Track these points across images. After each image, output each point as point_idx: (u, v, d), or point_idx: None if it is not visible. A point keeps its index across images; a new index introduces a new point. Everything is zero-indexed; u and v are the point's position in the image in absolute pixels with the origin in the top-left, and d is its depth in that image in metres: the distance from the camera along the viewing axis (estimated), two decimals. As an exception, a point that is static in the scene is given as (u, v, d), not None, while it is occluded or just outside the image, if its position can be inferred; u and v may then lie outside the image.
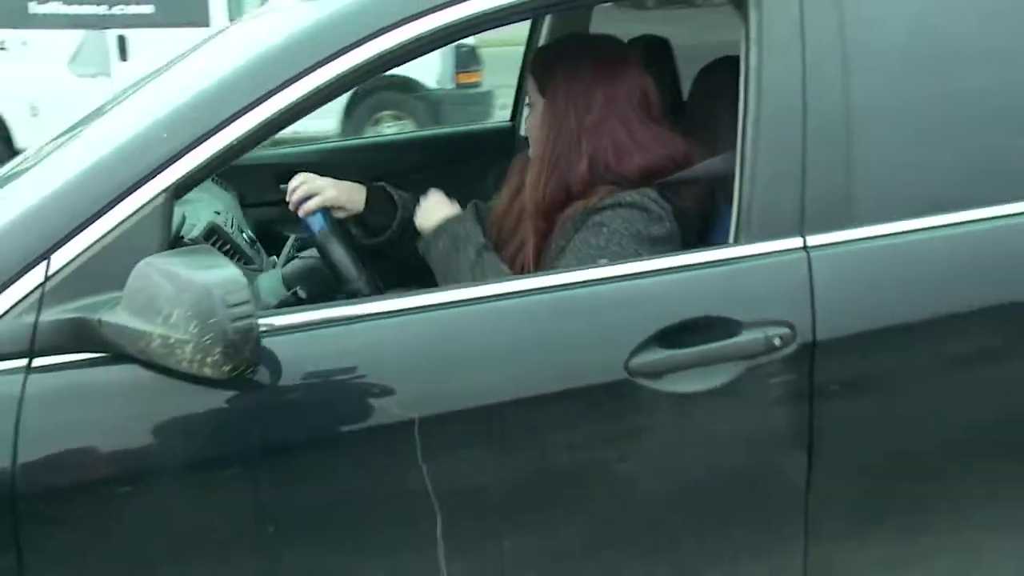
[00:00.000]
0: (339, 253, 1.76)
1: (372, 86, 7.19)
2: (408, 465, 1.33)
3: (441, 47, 1.60)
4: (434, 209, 1.84)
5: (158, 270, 1.21)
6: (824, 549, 1.56)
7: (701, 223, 1.74)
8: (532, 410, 1.39)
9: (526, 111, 1.86)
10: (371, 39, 1.34)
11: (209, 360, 1.16)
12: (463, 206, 1.85)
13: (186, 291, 1.16)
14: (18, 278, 1.27)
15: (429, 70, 7.43)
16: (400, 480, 1.35)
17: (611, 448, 1.45)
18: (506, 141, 2.78)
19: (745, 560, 1.56)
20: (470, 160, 2.60)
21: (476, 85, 7.60)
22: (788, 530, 1.54)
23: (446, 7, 1.35)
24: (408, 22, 1.35)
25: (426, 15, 1.35)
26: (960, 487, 1.61)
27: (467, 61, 7.67)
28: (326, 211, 1.84)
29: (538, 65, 1.82)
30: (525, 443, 1.41)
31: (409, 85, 7.40)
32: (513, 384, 1.39)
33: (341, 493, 1.36)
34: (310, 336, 1.34)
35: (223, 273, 1.19)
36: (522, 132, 1.99)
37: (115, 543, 1.31)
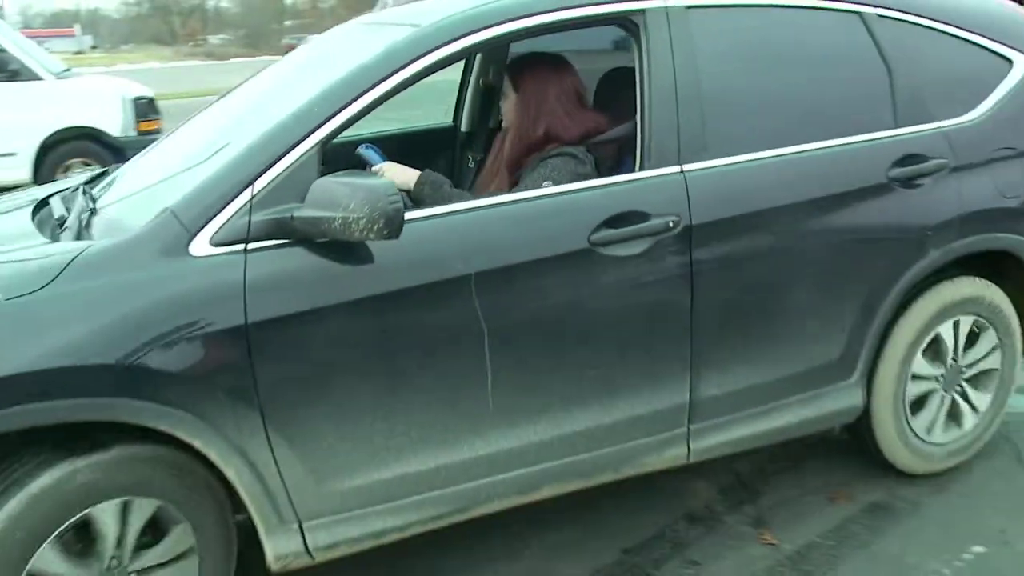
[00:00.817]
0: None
1: (64, 136, 8.21)
2: (468, 298, 2.45)
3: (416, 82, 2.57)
4: (401, 172, 3.00)
5: (334, 182, 2.21)
6: (703, 352, 2.82)
7: (614, 166, 2.96)
8: (533, 268, 2.54)
9: (502, 101, 3.14)
10: (400, 71, 2.49)
11: (375, 228, 2.16)
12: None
13: (360, 189, 2.17)
14: (236, 196, 2.26)
15: (113, 121, 8.31)
16: (467, 307, 2.47)
17: (578, 291, 2.61)
18: (449, 137, 4.08)
19: (660, 365, 2.79)
20: (420, 152, 3.64)
21: (156, 132, 8.34)
22: (681, 338, 2.77)
23: (425, 56, 2.53)
24: (410, 64, 2.50)
25: (413, 63, 2.50)
26: (787, 312, 2.95)
27: (146, 111, 8.60)
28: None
29: (512, 70, 3.10)
30: (529, 289, 2.55)
31: (96, 134, 8.21)
32: (522, 251, 2.55)
33: (439, 317, 2.46)
34: (418, 224, 2.42)
35: (382, 181, 2.23)
36: (503, 118, 3.21)
37: (305, 355, 2.32)
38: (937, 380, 3.39)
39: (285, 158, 2.33)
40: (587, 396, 2.74)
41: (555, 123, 2.99)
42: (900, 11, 3.18)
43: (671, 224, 2.68)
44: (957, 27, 3.28)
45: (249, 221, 2.28)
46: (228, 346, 2.26)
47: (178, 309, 2.22)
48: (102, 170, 3.40)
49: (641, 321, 2.73)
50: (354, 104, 2.43)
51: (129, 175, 3.00)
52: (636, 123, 2.75)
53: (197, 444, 2.29)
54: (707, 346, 2.85)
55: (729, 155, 2.83)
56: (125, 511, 2.28)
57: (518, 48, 3.40)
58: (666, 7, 2.81)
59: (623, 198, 2.68)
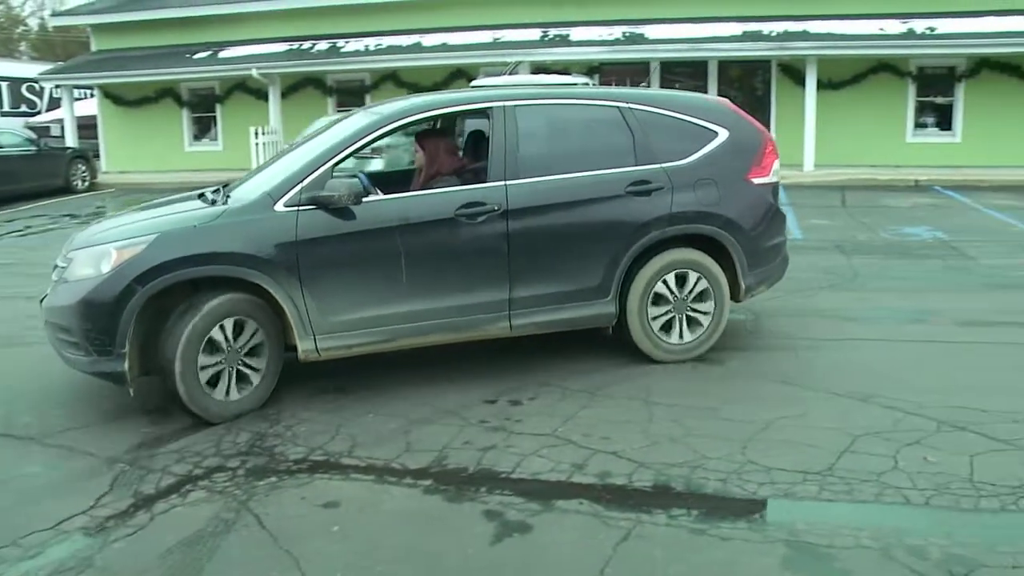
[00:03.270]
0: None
1: None
2: (395, 235, 5.26)
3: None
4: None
5: (336, 181, 5.17)
6: (516, 273, 5.50)
7: (472, 180, 5.69)
8: (428, 224, 5.39)
9: (415, 154, 6.11)
10: (362, 138, 5.43)
11: (350, 198, 5.10)
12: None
13: (345, 183, 5.15)
14: (295, 185, 5.23)
15: None
16: (394, 239, 5.27)
17: (449, 236, 5.36)
18: (407, 171, 6.79)
19: (492, 276, 5.44)
20: (399, 178, 6.56)
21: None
22: (502, 264, 5.45)
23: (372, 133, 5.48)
24: (374, 132, 5.47)
25: (375, 131, 5.51)
26: (564, 257, 5.59)
27: None
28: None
29: (420, 139, 6.04)
30: (425, 233, 5.39)
31: None
32: (423, 215, 5.44)
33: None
34: (378, 202, 5.40)
35: (353, 180, 5.24)
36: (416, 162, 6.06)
37: (320, 256, 5.13)
38: (671, 305, 5.89)
39: (317, 171, 5.26)
40: (453, 288, 5.36)
41: (440, 166, 5.91)
42: (642, 104, 5.91)
43: (496, 208, 5.41)
44: (679, 112, 5.98)
45: (300, 197, 5.17)
46: (287, 249, 5.08)
47: (268, 232, 5.08)
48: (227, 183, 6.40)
49: (481, 254, 5.38)
50: (347, 149, 5.39)
51: (249, 180, 5.87)
52: (485, 161, 5.64)
53: (271, 291, 5.06)
54: (518, 270, 5.46)
55: (532, 177, 5.56)
56: (238, 324, 5.13)
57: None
58: (503, 106, 5.67)
59: (473, 195, 5.44)
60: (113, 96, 23.80)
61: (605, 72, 20.76)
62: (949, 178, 17.26)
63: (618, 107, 5.84)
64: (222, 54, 22.28)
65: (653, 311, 5.83)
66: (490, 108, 5.65)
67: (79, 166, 20.61)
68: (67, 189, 19.90)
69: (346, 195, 5.09)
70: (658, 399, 5.23)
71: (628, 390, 5.41)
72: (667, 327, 5.90)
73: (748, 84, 20.24)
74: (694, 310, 5.93)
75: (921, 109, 19.78)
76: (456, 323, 5.42)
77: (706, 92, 18.51)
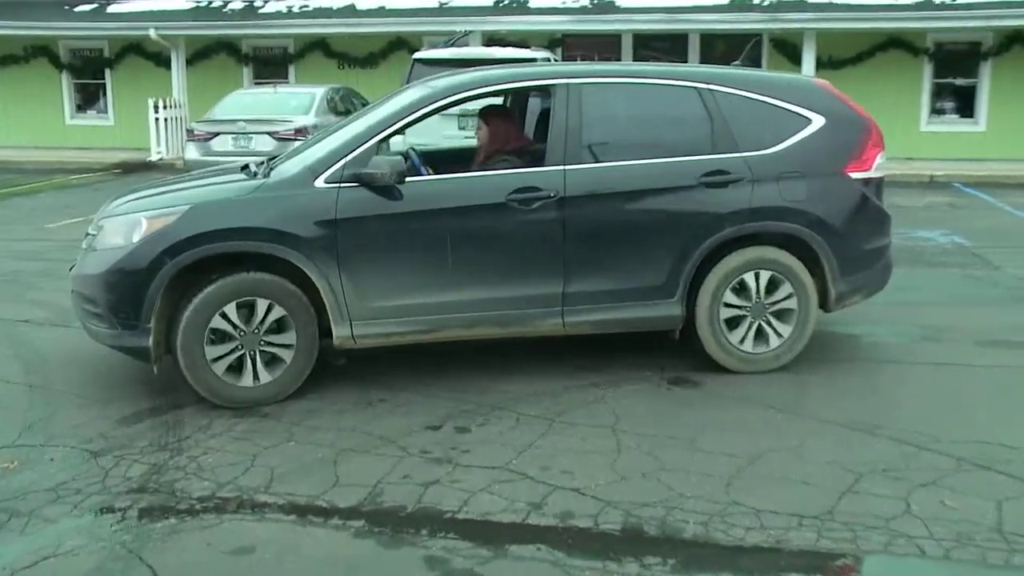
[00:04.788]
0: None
1: None
2: (441, 219, 5.85)
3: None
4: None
5: (380, 158, 5.76)
6: (571, 266, 5.99)
7: (530, 162, 6.23)
8: (475, 209, 5.96)
9: (478, 131, 6.89)
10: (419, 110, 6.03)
11: (392, 176, 5.71)
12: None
13: (388, 160, 5.75)
14: (339, 160, 5.81)
15: None
16: (440, 223, 5.85)
17: (500, 223, 5.92)
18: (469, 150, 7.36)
19: (544, 268, 5.97)
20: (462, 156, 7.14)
21: None
22: (556, 255, 5.97)
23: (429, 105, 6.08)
24: (424, 107, 6.04)
25: (426, 107, 6.10)
26: (626, 250, 6.04)
27: None
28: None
29: (483, 115, 6.82)
30: (473, 218, 5.93)
31: None
32: (471, 199, 5.99)
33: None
34: (425, 182, 6.11)
35: (397, 157, 5.89)
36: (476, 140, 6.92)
37: (359, 235, 5.72)
38: (747, 309, 6.18)
39: (362, 146, 5.80)
40: (503, 278, 5.89)
41: (500, 145, 6.54)
42: (725, 86, 6.23)
43: (552, 194, 5.87)
44: (768, 96, 6.28)
45: (343, 173, 5.69)
46: (326, 227, 5.62)
47: (306, 209, 5.64)
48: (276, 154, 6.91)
49: (534, 243, 5.88)
50: (395, 124, 5.95)
51: (300, 153, 6.31)
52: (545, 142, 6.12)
53: (306, 270, 5.60)
54: (573, 263, 5.93)
55: (594, 162, 6.02)
56: (254, 306, 5.67)
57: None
58: (568, 83, 6.13)
59: (527, 179, 5.93)
60: (-32, 51, 23.18)
61: (569, 45, 20.99)
62: (970, 173, 17.59)
63: (697, 88, 6.22)
64: (112, 8, 22.21)
65: (726, 315, 6.18)
66: (553, 85, 6.15)
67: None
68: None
69: (388, 173, 5.60)
70: (627, 427, 5.33)
71: (593, 416, 5.51)
72: (742, 333, 6.24)
73: (733, 60, 20.42)
74: (776, 315, 6.24)
75: (938, 92, 20.16)
76: (504, 316, 5.95)
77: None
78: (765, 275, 6.16)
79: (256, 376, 5.65)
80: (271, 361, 5.69)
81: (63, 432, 5.32)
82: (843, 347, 6.90)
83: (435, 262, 5.78)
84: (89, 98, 24.07)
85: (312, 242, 5.58)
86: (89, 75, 23.79)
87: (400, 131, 5.98)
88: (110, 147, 22.68)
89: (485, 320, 5.92)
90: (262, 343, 5.65)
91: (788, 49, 19.98)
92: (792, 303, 6.20)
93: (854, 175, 6.30)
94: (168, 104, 20.66)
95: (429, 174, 6.16)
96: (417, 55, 12.27)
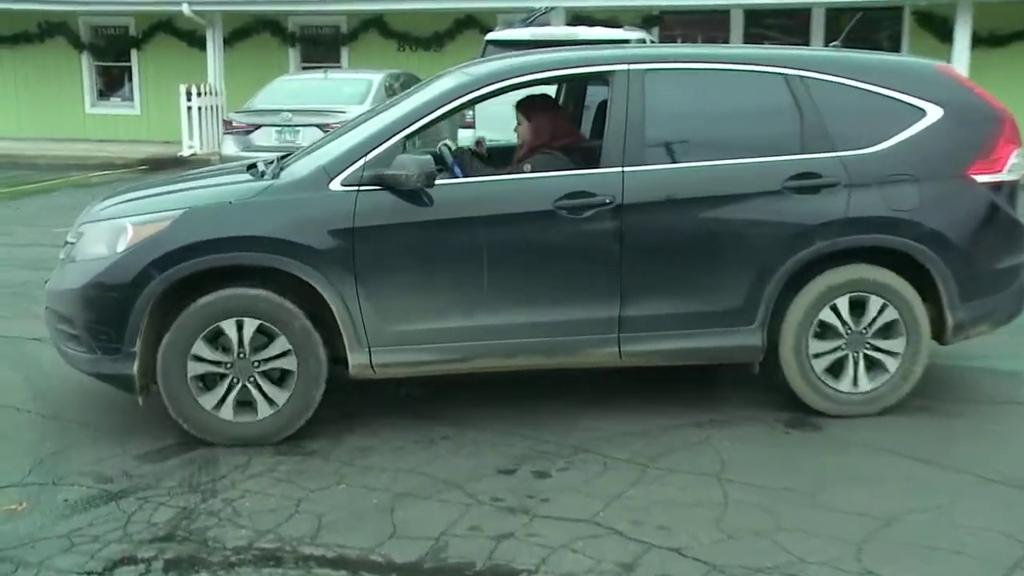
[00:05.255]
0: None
1: None
2: (477, 228, 5.86)
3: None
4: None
5: (406, 156, 5.68)
6: (630, 285, 5.93)
7: (582, 162, 6.26)
8: (517, 217, 5.90)
9: (517, 126, 6.82)
10: (447, 104, 6.02)
11: (420, 179, 5.59)
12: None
13: (416, 160, 5.63)
14: (357, 160, 5.75)
15: None
16: (476, 233, 5.84)
17: (546, 234, 5.87)
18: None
19: (597, 286, 5.90)
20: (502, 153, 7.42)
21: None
22: (613, 272, 5.89)
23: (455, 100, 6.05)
24: (457, 99, 6.04)
25: (459, 98, 6.05)
26: (695, 268, 5.99)
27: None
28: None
29: (523, 108, 6.76)
30: (513, 228, 5.92)
31: None
32: (512, 206, 5.90)
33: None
34: (456, 185, 6.18)
35: (426, 157, 5.75)
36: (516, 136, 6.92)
37: (381, 248, 5.67)
38: (842, 339, 6.05)
39: (385, 143, 5.78)
40: (549, 299, 5.86)
41: (546, 142, 6.51)
42: (819, 71, 6.13)
43: (607, 201, 5.78)
44: (872, 83, 6.13)
45: (363, 175, 5.66)
46: (341, 237, 5.59)
47: (319, 215, 5.64)
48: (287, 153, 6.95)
49: (586, 257, 5.85)
50: (424, 118, 5.93)
51: (316, 151, 6.38)
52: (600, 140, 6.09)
53: (318, 287, 5.57)
54: (632, 282, 5.86)
55: (658, 163, 5.99)
56: (243, 327, 5.64)
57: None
58: (628, 69, 6.06)
59: (578, 183, 5.89)
60: (-26, 27, 23.72)
61: (668, 23, 20.94)
62: None
63: (784, 75, 6.14)
64: (140, -22, 22.29)
65: (817, 346, 6.06)
66: (611, 72, 6.11)
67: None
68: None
69: (415, 175, 5.56)
70: (735, 475, 5.29)
71: (695, 462, 5.47)
72: (836, 369, 6.11)
73: (869, 40, 20.22)
74: (876, 348, 6.09)
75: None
76: (550, 344, 5.94)
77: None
78: (865, 300, 6.04)
79: (252, 410, 5.68)
80: (275, 391, 5.71)
81: (78, 469, 5.37)
82: (995, 386, 6.75)
83: (469, 280, 5.78)
84: (112, 83, 24.63)
85: (325, 254, 5.60)
86: (112, 56, 24.28)
87: (429, 125, 5.99)
88: (135, 140, 23.13)
89: (528, 348, 5.91)
90: (256, 371, 5.65)
91: (936, 24, 19.65)
92: (898, 333, 6.06)
93: (980, 178, 6.11)
94: (203, 91, 21.01)
95: (458, 176, 6.32)
96: (490, 36, 12.34)
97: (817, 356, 6.03)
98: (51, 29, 23.85)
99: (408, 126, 5.87)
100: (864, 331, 6.04)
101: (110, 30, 24.09)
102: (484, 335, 5.81)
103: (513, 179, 6.17)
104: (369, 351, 5.69)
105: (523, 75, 6.16)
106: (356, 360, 5.70)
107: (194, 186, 6.31)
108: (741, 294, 5.95)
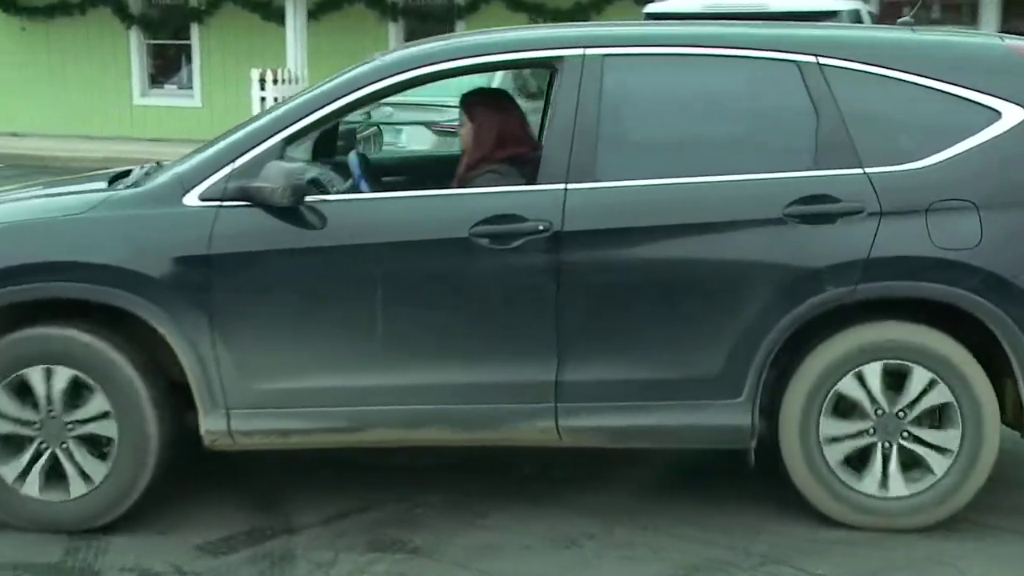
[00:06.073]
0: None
1: None
2: (370, 260, 5.68)
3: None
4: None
5: (275, 164, 5.47)
6: (569, 339, 5.64)
7: (530, 176, 5.88)
8: (419, 245, 5.65)
9: (460, 129, 6.54)
10: (342, 98, 5.82)
11: (286, 195, 5.37)
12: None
13: (282, 169, 5.43)
14: (221, 169, 5.59)
15: None
16: (369, 266, 5.69)
17: (458, 269, 5.65)
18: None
19: (526, 341, 5.70)
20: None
21: None
22: (546, 323, 5.61)
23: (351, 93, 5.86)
24: (355, 91, 5.82)
25: (358, 90, 5.82)
26: (658, 320, 5.67)
27: None
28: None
29: (465, 104, 6.51)
30: (416, 261, 5.69)
31: None
32: (411, 232, 5.65)
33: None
34: (343, 204, 5.94)
35: (297, 165, 5.67)
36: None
37: (244, 282, 5.60)
38: (869, 423, 5.66)
39: (258, 147, 5.61)
40: (463, 354, 5.66)
41: (490, 150, 6.18)
42: (845, 57, 5.74)
43: (542, 228, 5.49)
44: (919, 73, 5.70)
45: (226, 187, 5.52)
46: (193, 265, 5.48)
47: (166, 237, 5.54)
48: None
49: (513, 302, 5.60)
50: (308, 117, 5.74)
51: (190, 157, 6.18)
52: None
53: (161, 330, 5.47)
54: (573, 335, 5.58)
55: (614, 179, 5.63)
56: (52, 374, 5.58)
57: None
58: (583, 55, 5.74)
59: (503, 203, 5.63)
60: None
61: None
62: None
63: (797, 63, 5.76)
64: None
65: (833, 428, 5.70)
66: (559, 58, 5.86)
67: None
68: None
69: (279, 189, 5.39)
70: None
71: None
72: (859, 463, 5.73)
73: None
74: (918, 440, 5.69)
75: None
76: (465, 414, 5.72)
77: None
78: (906, 371, 5.63)
79: (63, 484, 5.63)
80: (91, 463, 5.63)
81: (120, 562, 5.46)
82: None
83: (360, 326, 5.63)
84: (167, 66, 25.19)
85: (171, 287, 5.52)
86: (168, 33, 25.00)
87: (318, 125, 5.89)
88: (194, 139, 23.30)
89: (436, 417, 5.69)
90: (70, 435, 5.60)
91: None
92: (951, 422, 5.65)
93: None
94: (280, 77, 21.20)
95: (363, 191, 6.29)
96: (650, 7, 12.13)
97: (832, 441, 5.68)
98: (94, -1, 24.28)
99: (288, 126, 5.70)
100: (902, 414, 5.64)
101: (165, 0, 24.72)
102: (378, 399, 5.65)
103: (420, 197, 5.98)
104: (227, 414, 5.57)
105: (439, 62, 5.96)
106: (210, 425, 5.57)
107: (27, 196, 6.42)
108: (722, 357, 5.61)
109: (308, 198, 5.54)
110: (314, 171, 6.27)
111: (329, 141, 7.28)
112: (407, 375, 5.63)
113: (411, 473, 6.39)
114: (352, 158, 6.64)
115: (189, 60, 24.82)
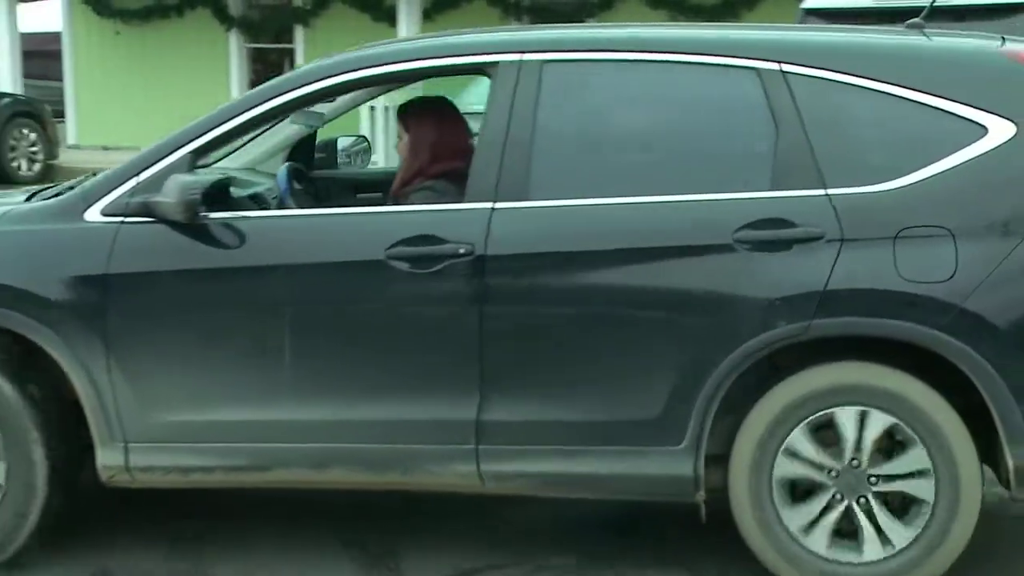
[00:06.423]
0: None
1: None
2: (278, 284, 5.54)
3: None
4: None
5: (177, 178, 5.40)
6: (492, 375, 5.28)
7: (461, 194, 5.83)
8: (331, 268, 5.37)
9: (398, 141, 6.43)
10: (264, 103, 5.68)
11: (180, 211, 5.30)
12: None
13: (176, 183, 5.33)
14: (125, 182, 5.59)
15: None
16: (276, 291, 5.55)
17: (372, 295, 5.40)
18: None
19: (445, 377, 5.36)
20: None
21: None
22: (467, 357, 5.27)
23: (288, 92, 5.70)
24: (265, 103, 5.64)
25: (268, 101, 5.64)
26: (589, 356, 5.26)
27: None
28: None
29: (402, 115, 6.48)
30: (327, 286, 5.42)
31: None
32: (322, 254, 5.41)
33: None
34: (250, 223, 5.66)
35: (191, 179, 5.45)
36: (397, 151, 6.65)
37: (143, 305, 5.53)
38: (828, 476, 5.33)
39: (165, 159, 5.55)
40: (374, 389, 5.54)
41: (425, 162, 6.20)
42: (814, 67, 5.40)
43: (463, 251, 5.34)
44: (895, 82, 5.34)
45: (129, 201, 5.53)
46: (90, 286, 5.47)
47: (62, 254, 5.54)
48: None
49: (427, 333, 5.52)
50: (218, 128, 5.65)
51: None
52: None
53: (54, 354, 5.45)
54: (497, 370, 5.43)
55: (546, 198, 5.45)
56: None
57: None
58: (520, 60, 5.56)
59: (422, 223, 5.49)
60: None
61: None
62: None
63: (758, 70, 5.46)
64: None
65: (787, 483, 5.46)
66: (492, 64, 5.71)
67: (25, 132, 21.15)
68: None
69: (172, 204, 5.39)
70: None
71: None
72: (820, 522, 5.42)
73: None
74: (886, 497, 5.36)
75: None
76: (378, 455, 5.59)
77: None
78: (866, 418, 5.31)
79: None
80: None
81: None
82: None
83: (263, 355, 5.54)
84: (269, 72, 25.18)
85: (66, 308, 5.51)
86: (270, 36, 24.94)
87: (229, 137, 5.87)
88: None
89: (345, 457, 5.56)
90: None
91: None
92: (922, 475, 5.32)
93: None
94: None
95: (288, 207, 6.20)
96: (807, 3, 11.80)
97: (789, 497, 5.43)
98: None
99: (196, 137, 5.64)
100: (867, 468, 5.32)
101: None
102: (283, 435, 5.56)
103: (334, 215, 5.92)
104: (125, 448, 5.52)
105: (357, 70, 5.84)
106: (107, 459, 5.54)
107: None
108: (662, 398, 5.34)
109: (220, 215, 5.49)
110: (262, 186, 6.45)
111: (307, 154, 7.37)
112: (314, 410, 5.54)
113: (536, 529, 6.20)
114: (281, 171, 6.47)
115: (292, 65, 24.40)
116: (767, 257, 5.27)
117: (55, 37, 25.00)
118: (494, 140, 5.45)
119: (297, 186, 6.42)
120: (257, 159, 7.25)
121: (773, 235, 5.25)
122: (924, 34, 5.75)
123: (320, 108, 6.77)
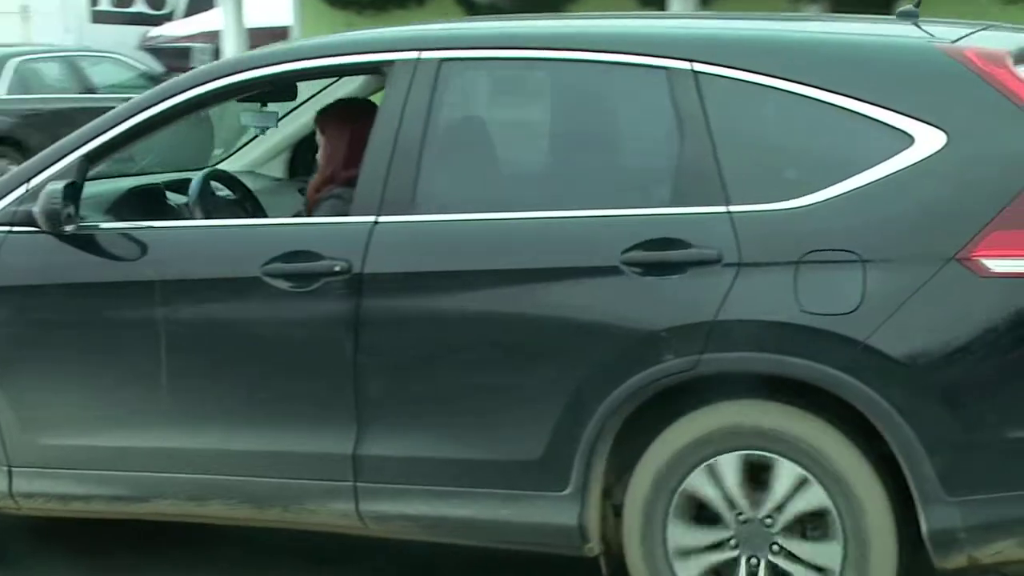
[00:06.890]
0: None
1: None
2: (152, 302, 5.63)
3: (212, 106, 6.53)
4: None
5: (51, 186, 5.46)
6: (369, 406, 5.21)
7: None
8: (209, 284, 5.47)
9: (319, 145, 7.01)
10: (171, 97, 5.91)
11: (44, 221, 5.40)
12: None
13: (44, 192, 5.44)
14: (15, 190, 5.79)
15: None
16: (151, 308, 5.61)
17: (248, 314, 5.44)
18: None
19: (321, 406, 5.35)
20: None
21: None
22: (343, 385, 5.22)
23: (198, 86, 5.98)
24: (154, 106, 5.81)
25: (156, 104, 5.81)
26: (468, 387, 5.26)
27: None
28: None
29: (320, 117, 6.84)
30: (205, 304, 5.47)
31: None
32: (200, 269, 5.57)
33: None
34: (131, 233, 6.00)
35: (57, 187, 5.41)
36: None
37: (24, 321, 5.74)
38: (729, 529, 5.17)
39: (55, 165, 5.76)
40: (252, 418, 5.63)
41: (338, 167, 6.34)
42: (730, 67, 5.07)
43: (336, 268, 5.35)
44: (816, 84, 5.02)
45: (16, 210, 5.85)
46: None
47: None
48: None
49: (303, 357, 5.53)
50: (108, 132, 5.75)
51: None
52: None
53: None
54: (373, 401, 5.43)
55: (432, 212, 5.45)
56: None
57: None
58: (416, 59, 5.52)
59: (297, 237, 5.56)
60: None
61: None
62: None
63: (667, 70, 5.23)
64: None
65: (682, 538, 5.27)
66: (390, 63, 5.67)
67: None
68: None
69: (39, 213, 5.56)
70: None
71: None
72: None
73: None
74: (791, 554, 5.14)
75: None
76: (256, 489, 5.65)
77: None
78: (768, 465, 5.17)
79: None
80: None
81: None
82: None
83: (139, 377, 5.69)
84: None
85: None
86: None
87: (123, 140, 5.89)
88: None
89: (224, 491, 5.65)
90: None
91: None
92: (829, 532, 5.12)
93: (996, 264, 4.81)
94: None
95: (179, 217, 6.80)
96: None
97: (684, 555, 5.23)
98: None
99: (88, 141, 5.79)
100: (769, 521, 5.09)
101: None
102: (162, 464, 5.69)
103: (213, 227, 6.07)
104: (9, 472, 5.75)
105: (246, 71, 5.88)
106: None
107: None
108: (544, 437, 5.23)
109: (103, 226, 5.75)
110: (221, 194, 6.95)
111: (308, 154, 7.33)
112: (192, 438, 5.67)
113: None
114: (195, 180, 6.70)
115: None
116: (658, 282, 5.05)
117: (284, 32, 24.89)
118: (382, 148, 5.34)
119: (226, 194, 6.59)
120: (258, 159, 7.19)
121: (664, 257, 5.03)
122: (916, 24, 5.12)
123: (274, 107, 6.72)
